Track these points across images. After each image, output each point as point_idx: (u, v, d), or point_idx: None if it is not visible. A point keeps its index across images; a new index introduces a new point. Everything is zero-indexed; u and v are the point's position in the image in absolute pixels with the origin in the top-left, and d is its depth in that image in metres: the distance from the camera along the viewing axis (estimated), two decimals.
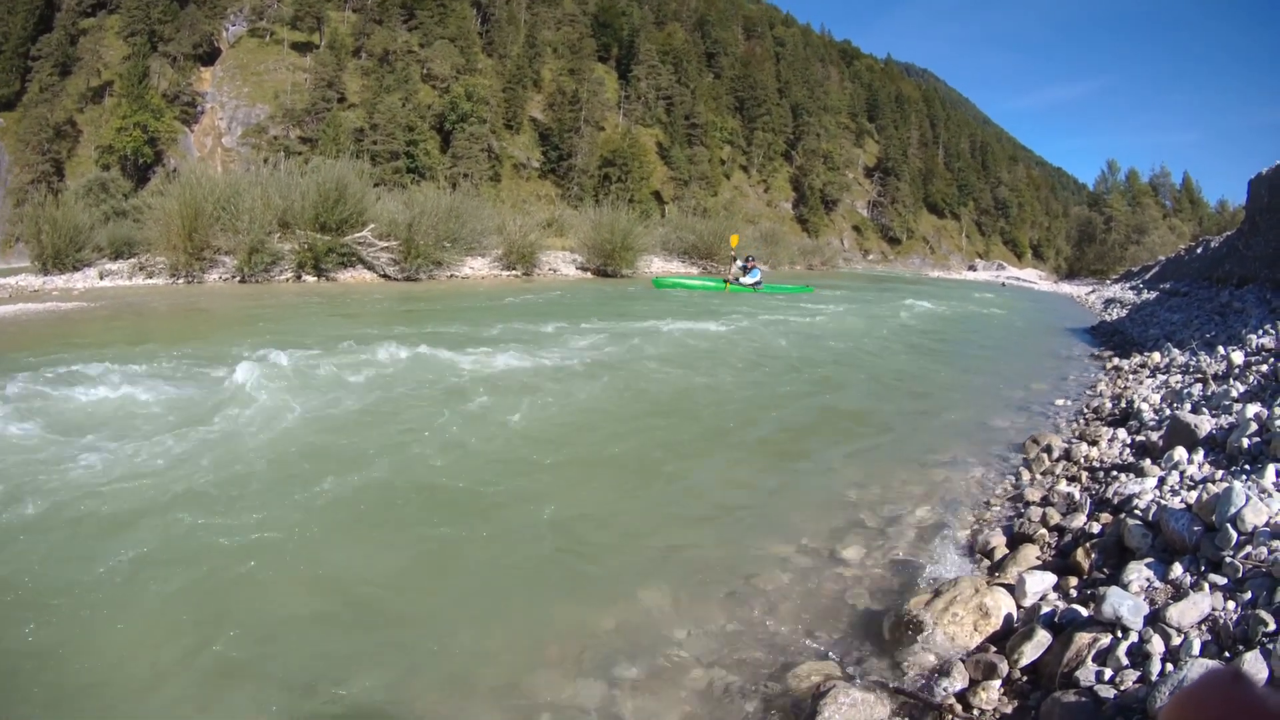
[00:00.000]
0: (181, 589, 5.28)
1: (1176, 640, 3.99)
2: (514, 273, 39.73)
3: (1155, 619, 4.15)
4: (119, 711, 4.23)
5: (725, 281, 34.49)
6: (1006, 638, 4.64)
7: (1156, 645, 3.97)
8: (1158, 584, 4.60)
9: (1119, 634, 4.13)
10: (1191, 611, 4.10)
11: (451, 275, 36.24)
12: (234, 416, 8.81)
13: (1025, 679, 4.25)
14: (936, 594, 5.03)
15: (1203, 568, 4.60)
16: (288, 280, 30.93)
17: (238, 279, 29.82)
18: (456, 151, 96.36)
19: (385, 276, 33.67)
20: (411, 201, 37.03)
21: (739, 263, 35.36)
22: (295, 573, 5.65)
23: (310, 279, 31.47)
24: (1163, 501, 5.73)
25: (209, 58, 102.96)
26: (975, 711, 4.09)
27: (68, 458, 7.27)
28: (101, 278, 28.97)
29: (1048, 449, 8.80)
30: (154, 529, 6.01)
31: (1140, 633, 4.10)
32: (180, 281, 29.13)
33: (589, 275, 43.09)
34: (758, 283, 34.24)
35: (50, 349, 13.39)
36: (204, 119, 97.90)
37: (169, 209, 29.43)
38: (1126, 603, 4.20)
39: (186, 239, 29.21)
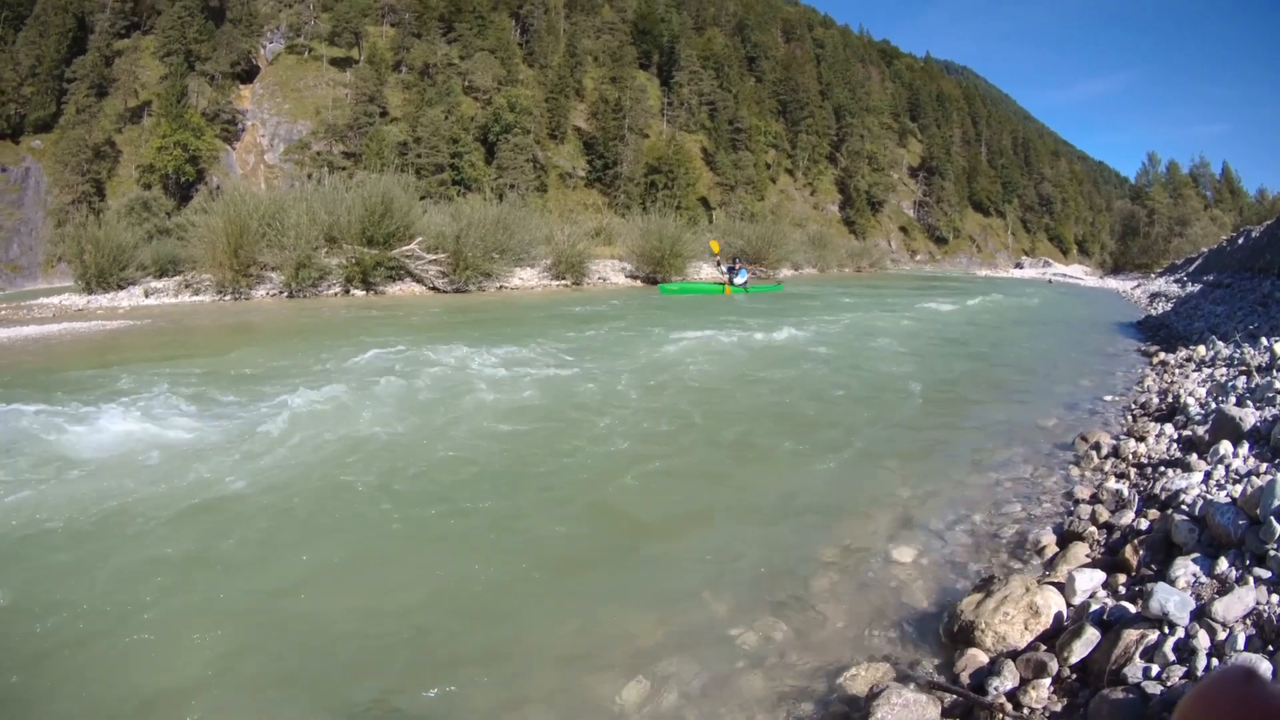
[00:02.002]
0: (230, 599, 5.33)
1: (1222, 635, 3.95)
2: (564, 282, 39.15)
3: (1201, 614, 4.09)
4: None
5: (724, 286, 36.15)
6: (1056, 636, 4.55)
7: (1202, 640, 3.92)
8: (1204, 579, 4.51)
9: (1166, 630, 4.07)
10: (1237, 606, 4.06)
11: (501, 286, 35.86)
12: (294, 426, 9.05)
13: (1074, 677, 4.18)
14: (988, 594, 4.94)
15: (1248, 561, 4.52)
16: (335, 294, 30.80)
17: (285, 294, 29.71)
18: (501, 162, 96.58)
19: (434, 289, 33.27)
20: (458, 213, 36.76)
21: (723, 266, 37.82)
22: (346, 576, 5.77)
23: (359, 293, 31.31)
24: (1209, 496, 5.68)
25: (247, 75, 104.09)
26: (1025, 710, 4.04)
27: (128, 471, 7.49)
28: (147, 296, 28.81)
29: (1096, 446, 8.74)
30: (202, 540, 6.11)
31: (1187, 628, 4.04)
32: (227, 298, 29.01)
33: (638, 283, 42.49)
34: (745, 283, 36.82)
35: (97, 365, 14.02)
36: (245, 136, 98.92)
37: (214, 226, 29.41)
38: (1174, 598, 4.15)
39: (232, 256, 29.09)
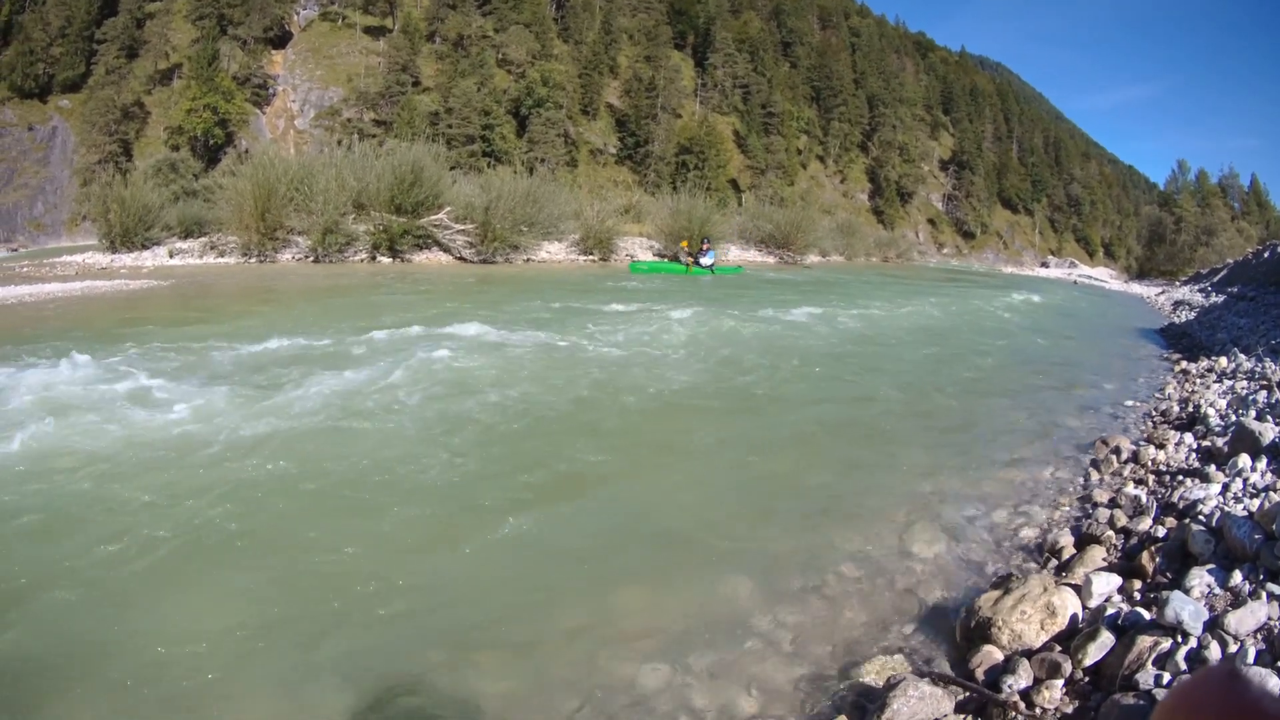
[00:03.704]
0: (255, 572, 5.37)
1: (1233, 647, 4.01)
2: (591, 258, 39.02)
3: (1214, 625, 4.15)
4: (194, 699, 4.19)
5: (686, 267, 36.26)
6: (1071, 637, 4.58)
7: (1214, 651, 4.00)
8: (1218, 590, 4.58)
9: (1179, 638, 4.12)
10: (1249, 619, 4.12)
11: (528, 259, 35.78)
12: (316, 397, 9.16)
13: (1087, 679, 4.21)
14: (1006, 591, 4.96)
15: (1261, 576, 4.58)
16: (362, 261, 30.80)
17: (311, 259, 29.66)
18: (533, 136, 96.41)
19: (461, 259, 33.18)
20: (488, 185, 36.56)
21: (688, 255, 37.48)
22: (366, 553, 5.72)
23: (385, 260, 31.27)
24: (1226, 508, 5.82)
25: (280, 41, 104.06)
26: (1038, 710, 4.07)
27: (151, 435, 7.57)
28: (171, 256, 28.77)
29: (1116, 451, 8.74)
30: (218, 513, 6.08)
31: (1199, 638, 4.09)
32: (253, 260, 28.97)
33: (731, 264, 41.98)
34: (711, 264, 36.66)
35: (118, 324, 14.13)
36: (275, 101, 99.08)
37: (241, 189, 29.35)
38: (1188, 608, 4.21)
39: (259, 219, 29.04)
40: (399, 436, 8.06)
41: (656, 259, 39.12)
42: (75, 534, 5.64)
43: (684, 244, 39.73)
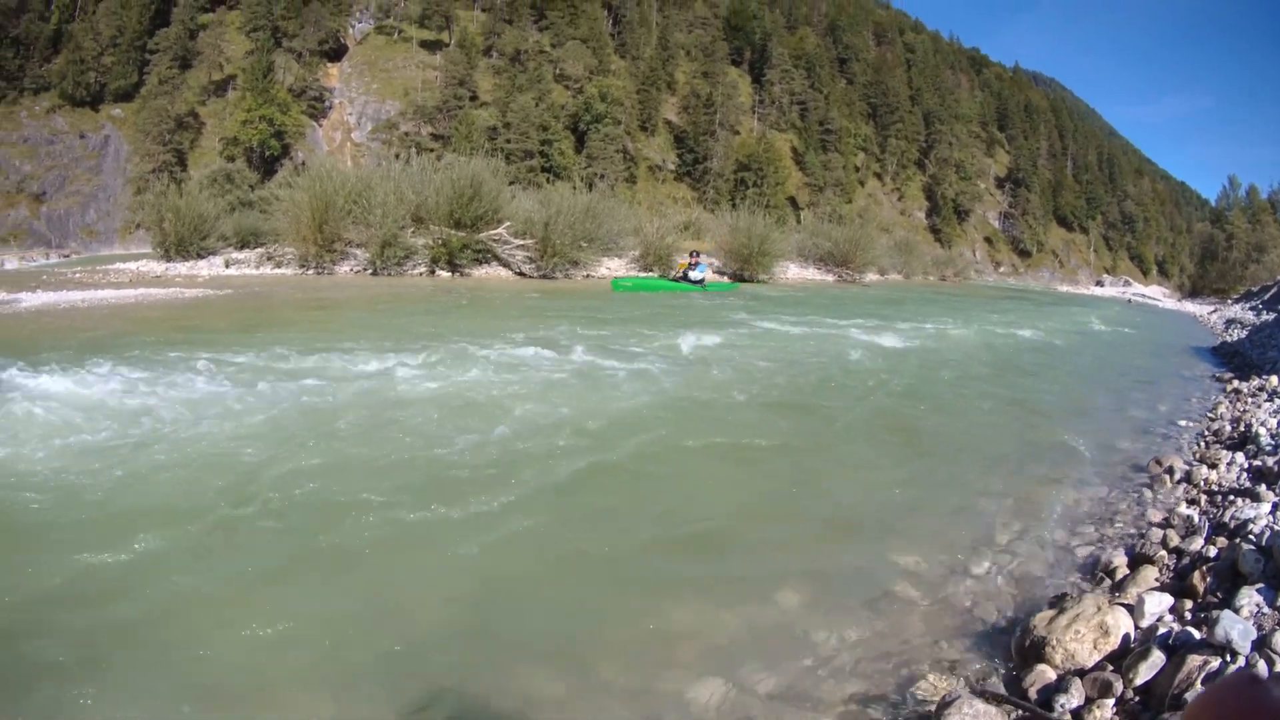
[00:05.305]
0: (311, 583, 5.42)
1: None
2: (651, 275, 37.94)
3: (1262, 644, 4.15)
4: (241, 700, 4.24)
5: (677, 281, 33.87)
6: (1123, 657, 4.56)
7: (1262, 670, 3.89)
8: (1266, 610, 4.57)
9: (1228, 657, 4.08)
10: None
11: (588, 275, 35.16)
12: (370, 410, 9.17)
13: (1137, 699, 4.17)
14: (1061, 610, 4.95)
15: None
16: (421, 274, 30.47)
17: (369, 272, 29.44)
18: (591, 152, 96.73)
19: (520, 274, 32.76)
20: (547, 200, 36.22)
21: (680, 270, 34.70)
22: (415, 571, 5.70)
23: (444, 274, 30.97)
24: (1276, 528, 5.84)
25: (335, 54, 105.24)
26: None
27: (214, 445, 7.51)
28: (227, 266, 28.53)
29: (1169, 471, 8.85)
30: (266, 520, 6.11)
31: (1248, 657, 4.08)
32: (310, 272, 28.75)
33: (725, 279, 41.09)
34: (703, 280, 34.00)
35: (175, 331, 14.04)
36: (332, 114, 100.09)
37: (298, 201, 29.14)
38: (1237, 627, 4.18)
39: (317, 231, 28.81)
40: (453, 445, 8.01)
41: (642, 275, 36.93)
42: (130, 535, 5.61)
43: (681, 265, 36.94)
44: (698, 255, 35.40)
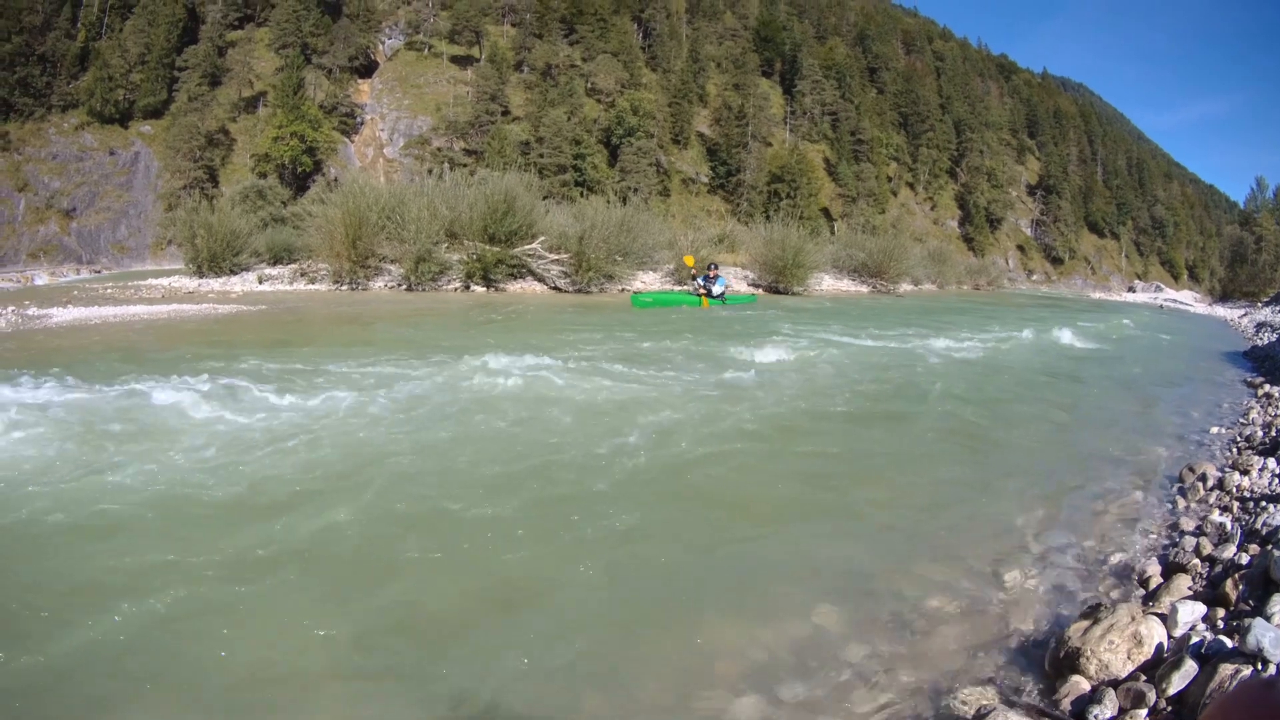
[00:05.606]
0: (334, 588, 5.50)
1: None
2: (686, 288, 37.45)
3: None
4: (269, 708, 4.28)
5: (697, 294, 31.90)
6: (1156, 666, 4.57)
7: (1275, 674, 3.97)
8: None
9: (1259, 666, 4.11)
10: None
11: (623, 289, 34.94)
12: (411, 420, 9.34)
13: (1170, 709, 4.17)
14: (1094, 621, 4.94)
15: None
16: (455, 289, 30.52)
17: (404, 287, 29.52)
18: (624, 165, 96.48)
19: (555, 289, 32.68)
20: (581, 214, 36.22)
21: (699, 280, 32.51)
22: (455, 579, 5.75)
23: (479, 289, 30.99)
24: None
25: (365, 70, 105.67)
26: None
27: (250, 455, 7.61)
28: (261, 282, 28.72)
29: (1202, 478, 8.81)
30: (300, 530, 6.17)
31: (1279, 665, 4.08)
32: (344, 288, 28.91)
33: (760, 291, 41.36)
34: (723, 293, 32.39)
35: (207, 346, 14.13)
36: (364, 130, 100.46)
37: (332, 216, 29.32)
38: (1269, 635, 4.16)
39: (350, 246, 28.98)
40: (494, 461, 8.06)
41: (664, 289, 35.80)
42: (168, 543, 5.76)
43: (688, 260, 35.93)
44: (716, 268, 33.90)
